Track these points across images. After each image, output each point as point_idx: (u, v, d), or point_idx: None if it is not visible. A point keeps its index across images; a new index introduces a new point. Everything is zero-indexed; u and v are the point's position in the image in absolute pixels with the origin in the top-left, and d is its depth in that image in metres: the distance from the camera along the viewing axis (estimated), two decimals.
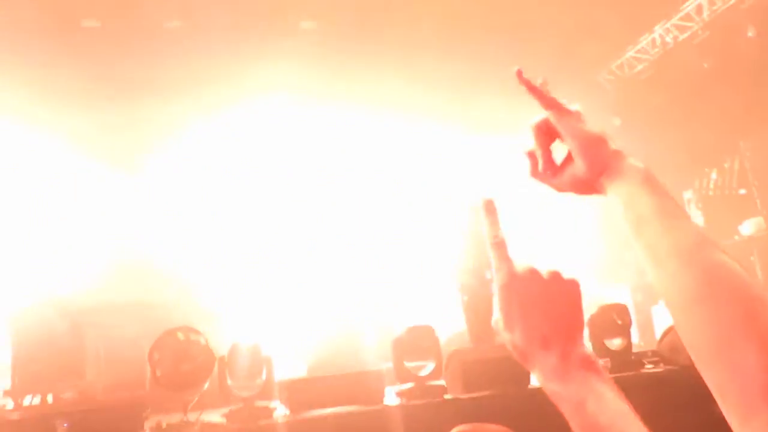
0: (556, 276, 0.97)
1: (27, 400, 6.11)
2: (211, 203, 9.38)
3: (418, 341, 5.71)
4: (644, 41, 11.10)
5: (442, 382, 5.52)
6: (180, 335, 5.53)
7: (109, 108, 8.41)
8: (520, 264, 0.97)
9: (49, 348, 6.45)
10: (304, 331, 7.64)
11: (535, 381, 5.80)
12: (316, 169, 9.92)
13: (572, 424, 0.90)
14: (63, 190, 8.95)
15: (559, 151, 1.10)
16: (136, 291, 7.05)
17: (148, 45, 8.43)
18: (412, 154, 10.23)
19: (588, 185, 1.05)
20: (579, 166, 1.05)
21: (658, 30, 10.84)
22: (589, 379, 0.92)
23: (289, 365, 6.92)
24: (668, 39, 10.80)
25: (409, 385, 5.60)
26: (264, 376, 5.29)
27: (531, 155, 1.12)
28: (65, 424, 4.89)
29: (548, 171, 1.11)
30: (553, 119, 1.07)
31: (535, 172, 1.12)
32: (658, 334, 7.35)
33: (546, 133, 1.10)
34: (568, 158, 1.09)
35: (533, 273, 0.97)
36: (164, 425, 5.29)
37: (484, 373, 5.33)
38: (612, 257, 9.84)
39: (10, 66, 8.07)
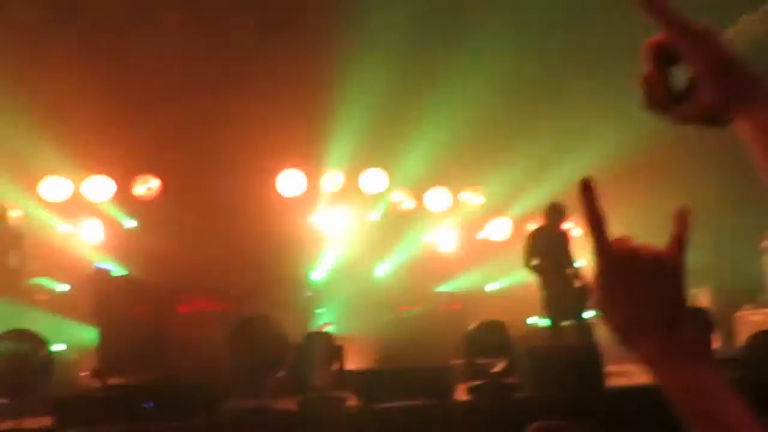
0: (658, 256, 0.93)
1: (112, 380, 6.42)
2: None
3: (489, 337, 5.69)
4: None
5: (514, 379, 5.46)
6: (257, 323, 5.70)
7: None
8: (621, 243, 0.94)
9: (133, 331, 6.76)
10: (375, 321, 7.73)
11: (610, 381, 5.68)
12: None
13: (680, 411, 0.87)
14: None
15: (680, 74, 0.95)
16: (217, 278, 7.32)
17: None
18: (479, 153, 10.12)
19: (715, 115, 0.92)
20: (706, 93, 0.91)
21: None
22: (695, 364, 0.87)
23: (358, 356, 6.99)
24: None
25: (480, 382, 5.59)
26: (336, 366, 5.38)
27: (646, 80, 0.96)
28: (148, 405, 5.12)
29: (667, 99, 0.96)
30: (673, 38, 0.93)
31: (650, 101, 0.96)
32: (741, 341, 7.05)
33: (664, 55, 0.95)
34: (691, 84, 0.94)
35: (635, 252, 0.93)
36: (239, 410, 5.47)
37: (558, 372, 5.24)
38: (693, 260, 9.41)
39: None
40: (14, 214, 8.10)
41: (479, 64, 8.55)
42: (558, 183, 8.45)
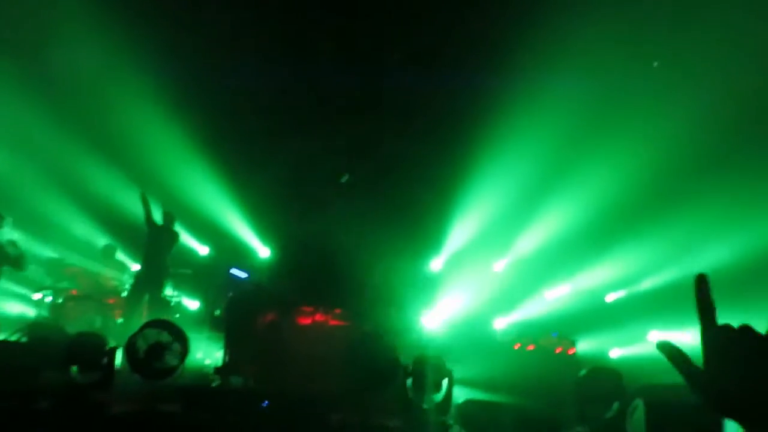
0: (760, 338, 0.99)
1: (232, 379, 6.87)
2: None
3: (602, 383, 5.55)
4: None
5: (626, 428, 5.28)
6: (372, 341, 5.92)
7: None
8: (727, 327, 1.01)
9: (255, 336, 7.20)
10: (487, 356, 7.74)
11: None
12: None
13: None
14: None
15: None
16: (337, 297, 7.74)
17: None
18: None
19: None
20: None
21: None
22: None
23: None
24: None
25: (587, 429, 5.44)
26: (444, 391, 5.46)
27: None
28: (265, 403, 5.45)
29: None
30: None
31: None
32: None
33: None
34: None
35: (741, 334, 1.00)
36: (346, 424, 5.66)
37: (673, 421, 5.02)
38: None
39: None
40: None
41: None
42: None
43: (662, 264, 9.58)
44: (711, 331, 1.01)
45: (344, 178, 10.49)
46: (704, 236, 9.04)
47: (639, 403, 5.56)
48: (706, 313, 1.02)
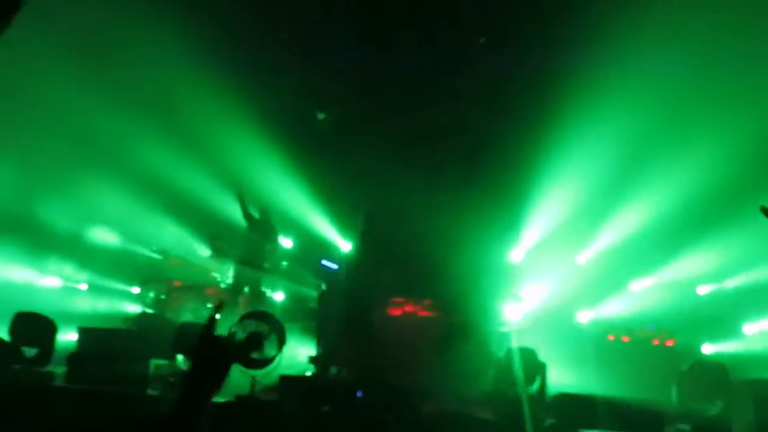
0: None
1: (328, 370, 7.04)
2: None
3: (706, 378, 5.34)
4: None
5: (732, 425, 5.06)
6: (462, 331, 5.93)
7: None
8: None
9: (347, 328, 7.36)
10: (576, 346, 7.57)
11: None
12: None
13: None
14: None
15: None
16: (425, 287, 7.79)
17: None
18: None
19: None
20: None
21: None
22: None
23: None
24: None
25: (689, 425, 5.25)
26: (538, 383, 5.41)
27: None
28: (359, 393, 5.57)
29: None
30: None
31: None
32: None
33: None
34: None
35: None
36: (439, 413, 5.70)
37: None
38: None
39: None
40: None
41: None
42: None
43: (757, 255, 9.06)
44: None
45: (322, 116, 10.45)
46: None
47: (746, 399, 5.31)
48: None
